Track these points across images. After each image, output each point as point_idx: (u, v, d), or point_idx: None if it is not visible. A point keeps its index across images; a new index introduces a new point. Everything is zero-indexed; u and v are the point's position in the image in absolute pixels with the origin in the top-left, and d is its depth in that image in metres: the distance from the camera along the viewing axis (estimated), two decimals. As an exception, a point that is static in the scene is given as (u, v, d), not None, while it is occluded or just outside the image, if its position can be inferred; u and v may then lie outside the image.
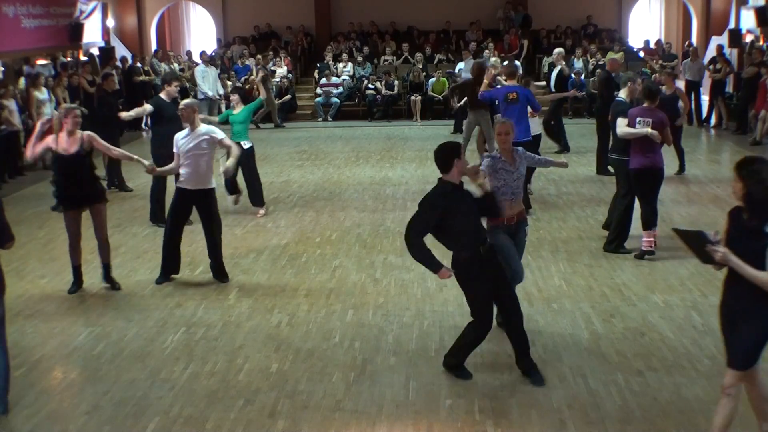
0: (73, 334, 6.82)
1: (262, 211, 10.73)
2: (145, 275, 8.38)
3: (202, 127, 7.96)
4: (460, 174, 5.61)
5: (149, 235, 9.65)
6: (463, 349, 5.83)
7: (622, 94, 9.00)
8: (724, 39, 20.34)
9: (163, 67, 20.75)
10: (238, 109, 10.71)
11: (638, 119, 8.21)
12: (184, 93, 20.11)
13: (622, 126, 8.35)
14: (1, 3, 15.24)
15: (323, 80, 20.96)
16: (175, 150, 7.93)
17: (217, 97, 18.36)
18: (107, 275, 7.97)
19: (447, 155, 5.57)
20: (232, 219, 10.52)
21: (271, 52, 21.93)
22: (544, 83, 16.60)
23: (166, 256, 8.09)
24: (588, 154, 14.90)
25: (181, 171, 7.90)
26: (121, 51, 21.15)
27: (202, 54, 20.08)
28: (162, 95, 10.26)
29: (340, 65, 21.64)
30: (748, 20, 20.45)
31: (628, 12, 24.62)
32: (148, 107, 10.26)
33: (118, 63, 19.82)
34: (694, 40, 22.88)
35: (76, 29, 18.52)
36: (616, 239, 8.69)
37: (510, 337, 5.83)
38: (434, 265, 5.63)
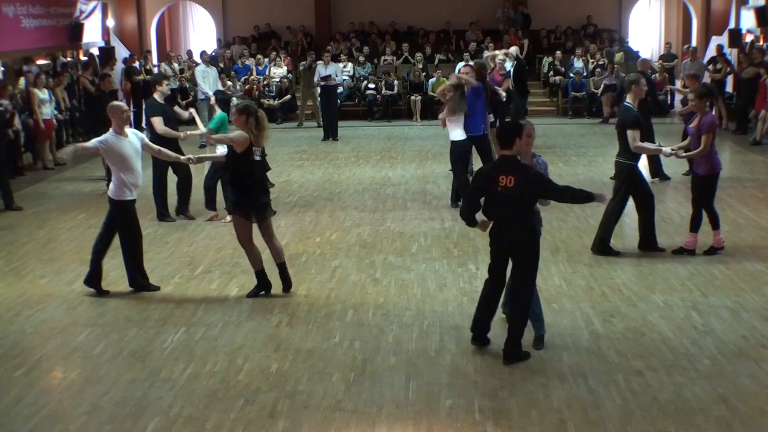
0: (73, 334, 6.81)
1: (228, 218, 10.40)
2: (145, 275, 8.37)
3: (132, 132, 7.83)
4: (517, 151, 6.01)
5: (149, 234, 9.64)
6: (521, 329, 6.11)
7: (629, 98, 8.61)
8: (724, 39, 20.34)
9: (164, 67, 20.77)
10: (217, 113, 10.52)
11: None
12: (184, 93, 20.21)
13: (636, 140, 8.31)
14: (1, 3, 15.23)
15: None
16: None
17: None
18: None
19: (510, 133, 6.00)
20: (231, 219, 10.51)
21: (273, 53, 21.93)
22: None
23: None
24: (588, 154, 14.92)
25: (134, 180, 7.72)
26: (121, 51, 21.14)
27: (203, 54, 20.08)
28: (155, 96, 10.34)
29: (340, 65, 21.64)
30: (748, 20, 20.45)
31: (628, 12, 24.62)
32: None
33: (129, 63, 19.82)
34: (694, 40, 22.87)
35: (76, 29, 18.51)
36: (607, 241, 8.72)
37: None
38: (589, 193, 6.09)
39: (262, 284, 7.65)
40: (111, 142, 7.55)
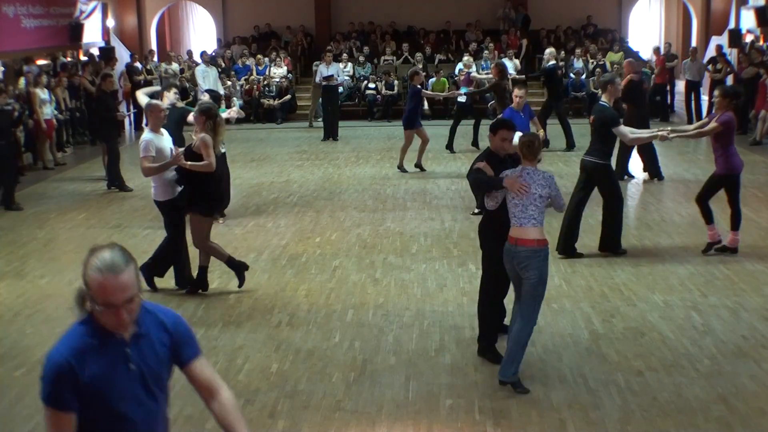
0: (73, 334, 6.80)
1: (221, 219, 10.34)
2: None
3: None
4: (495, 147, 6.10)
5: (149, 235, 9.65)
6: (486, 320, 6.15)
7: (604, 98, 8.61)
8: (724, 39, 20.34)
9: (164, 66, 20.75)
10: None
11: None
12: (184, 93, 20.21)
13: (628, 134, 8.33)
14: (1, 3, 15.24)
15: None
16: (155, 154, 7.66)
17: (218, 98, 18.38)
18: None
19: (490, 128, 6.23)
20: (231, 219, 10.53)
21: (273, 53, 21.91)
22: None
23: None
24: (588, 154, 14.89)
25: (174, 176, 7.72)
26: (121, 51, 21.15)
27: (203, 54, 20.09)
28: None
29: (340, 65, 21.64)
30: (748, 20, 20.46)
31: (628, 12, 24.62)
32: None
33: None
34: (694, 40, 22.86)
35: (76, 29, 18.52)
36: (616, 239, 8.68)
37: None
38: (493, 181, 5.80)
39: (238, 267, 7.80)
40: (152, 141, 7.57)
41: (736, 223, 8.56)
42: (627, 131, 8.36)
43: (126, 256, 2.70)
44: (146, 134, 7.69)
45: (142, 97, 10.42)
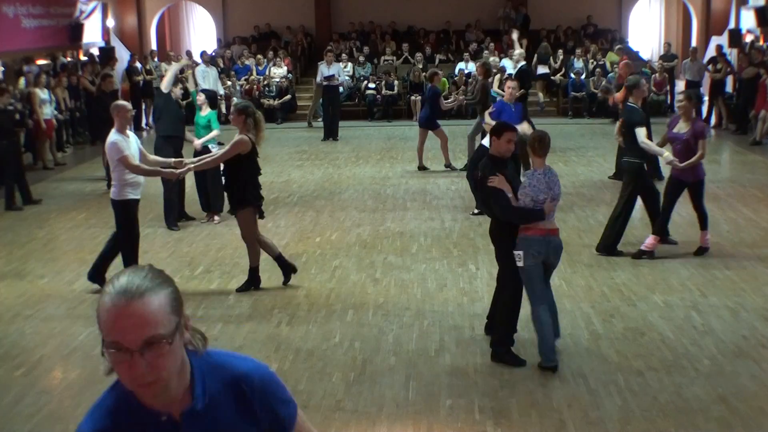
0: (73, 334, 6.81)
1: (217, 218, 10.35)
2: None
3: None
4: (495, 150, 6.04)
5: (149, 235, 9.64)
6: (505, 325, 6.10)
7: (632, 100, 8.83)
8: (724, 39, 20.34)
9: (164, 67, 20.75)
10: (205, 112, 10.59)
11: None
12: (184, 93, 20.18)
13: (643, 136, 8.43)
14: (1, 3, 15.25)
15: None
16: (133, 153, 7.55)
17: (218, 98, 18.44)
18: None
19: (493, 132, 6.15)
20: (232, 219, 10.51)
21: (271, 52, 21.91)
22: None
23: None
24: (588, 154, 14.92)
25: (136, 178, 7.62)
26: (121, 51, 21.14)
27: (203, 54, 20.09)
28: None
29: (341, 65, 21.62)
30: (748, 20, 20.46)
31: (628, 12, 24.60)
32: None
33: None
34: (694, 40, 22.86)
35: (76, 29, 18.53)
36: (614, 242, 8.69)
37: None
38: (537, 213, 5.88)
39: (255, 280, 7.83)
40: (121, 141, 7.41)
41: (704, 223, 8.63)
42: (644, 136, 8.45)
43: (155, 279, 1.84)
44: (113, 135, 7.41)
45: (169, 78, 10.26)
